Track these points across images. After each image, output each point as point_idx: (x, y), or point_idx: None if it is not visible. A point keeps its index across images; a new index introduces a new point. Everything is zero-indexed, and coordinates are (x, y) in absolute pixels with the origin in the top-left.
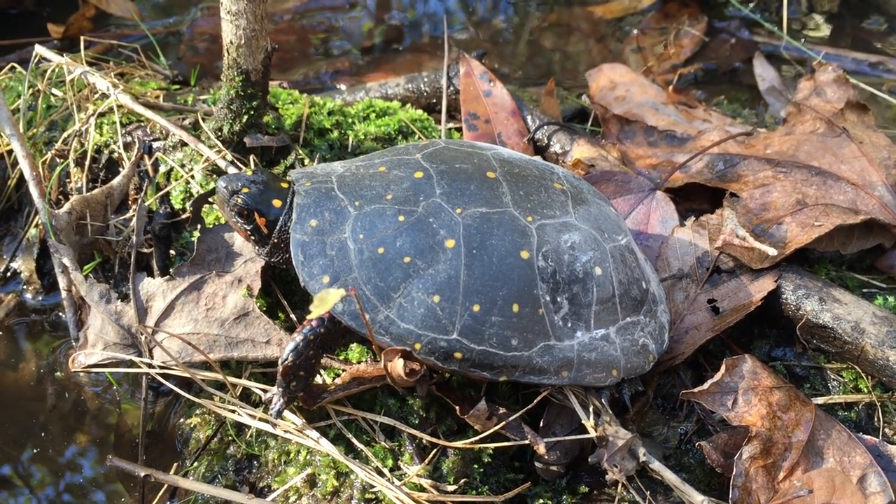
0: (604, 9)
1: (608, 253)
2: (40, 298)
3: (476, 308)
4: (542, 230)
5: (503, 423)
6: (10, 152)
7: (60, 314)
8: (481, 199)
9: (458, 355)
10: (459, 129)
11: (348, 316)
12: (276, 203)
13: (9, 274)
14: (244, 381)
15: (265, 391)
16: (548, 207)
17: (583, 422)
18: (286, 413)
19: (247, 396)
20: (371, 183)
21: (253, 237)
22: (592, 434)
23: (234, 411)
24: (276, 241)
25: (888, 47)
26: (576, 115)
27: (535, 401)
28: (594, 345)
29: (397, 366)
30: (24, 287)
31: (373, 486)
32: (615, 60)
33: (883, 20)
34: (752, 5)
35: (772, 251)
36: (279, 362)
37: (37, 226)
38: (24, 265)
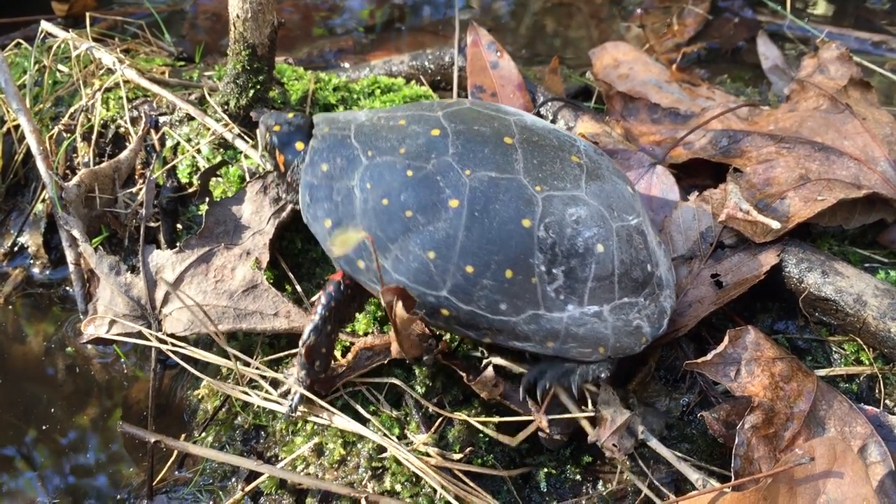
0: None
1: (614, 231)
2: (48, 273)
3: (469, 269)
4: (549, 201)
5: (508, 395)
6: (16, 127)
7: (68, 288)
8: (493, 163)
9: (444, 312)
10: None
11: (351, 266)
12: (299, 146)
13: (16, 249)
14: (251, 371)
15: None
16: (559, 179)
17: (573, 413)
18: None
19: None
20: (388, 135)
21: (276, 174)
22: (587, 415)
23: (245, 392)
24: (289, 180)
25: (891, 26)
26: (580, 92)
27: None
28: (584, 320)
29: (398, 309)
30: (32, 261)
31: (381, 454)
32: (618, 40)
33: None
34: None
35: (775, 224)
36: (300, 345)
37: (44, 201)
38: (31, 240)
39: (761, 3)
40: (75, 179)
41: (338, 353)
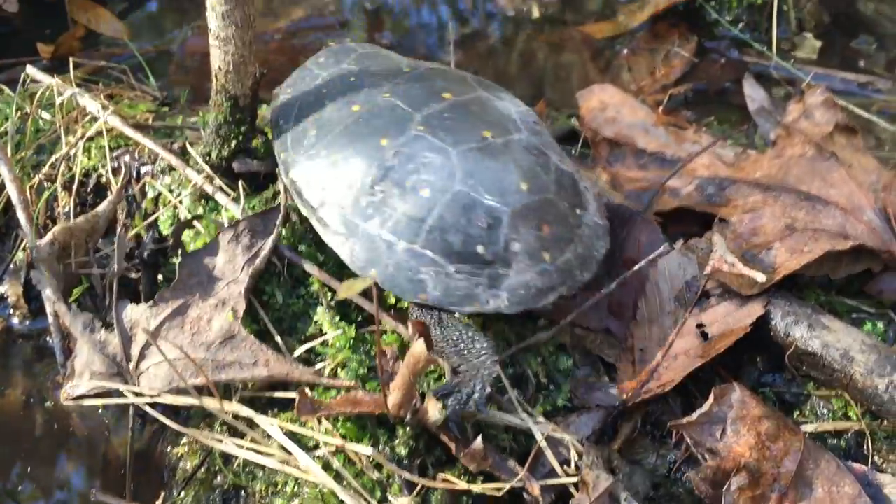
0: (594, 28)
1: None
2: (27, 323)
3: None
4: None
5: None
6: None
7: (48, 339)
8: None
9: None
10: None
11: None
12: None
13: None
14: (233, 407)
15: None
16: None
17: (558, 472)
18: (275, 439)
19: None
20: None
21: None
22: (571, 480)
23: (220, 441)
24: None
25: (877, 67)
26: (567, 135)
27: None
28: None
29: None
30: (12, 311)
31: None
32: (605, 80)
33: (872, 39)
34: (741, 25)
35: (760, 277)
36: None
37: (24, 249)
38: (11, 290)
39: (747, 44)
40: (48, 237)
41: (319, 395)
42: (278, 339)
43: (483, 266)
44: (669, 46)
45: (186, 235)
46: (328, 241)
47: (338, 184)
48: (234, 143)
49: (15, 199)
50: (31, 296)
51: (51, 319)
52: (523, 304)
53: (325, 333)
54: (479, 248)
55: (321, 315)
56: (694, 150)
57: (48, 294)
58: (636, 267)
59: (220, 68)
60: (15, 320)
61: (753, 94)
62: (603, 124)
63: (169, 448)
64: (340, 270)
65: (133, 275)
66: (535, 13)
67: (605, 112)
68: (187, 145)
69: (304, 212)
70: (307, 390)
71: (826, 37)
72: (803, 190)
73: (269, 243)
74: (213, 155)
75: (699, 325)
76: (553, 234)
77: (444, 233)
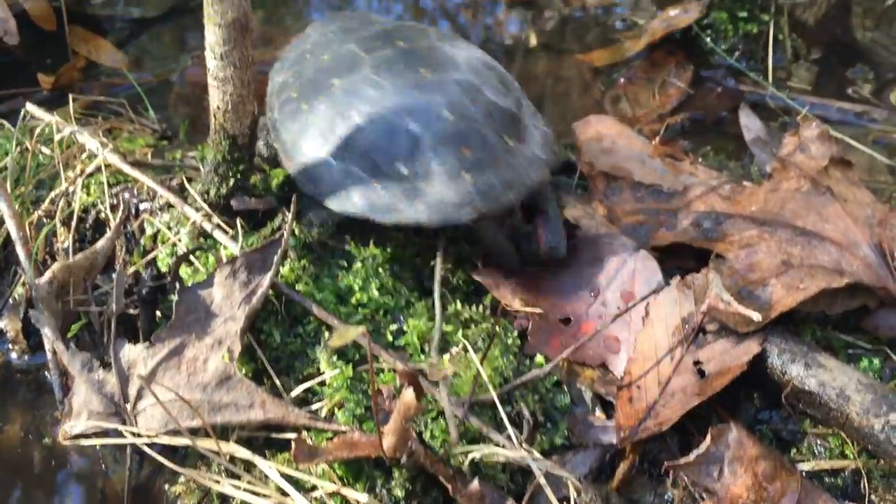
0: (591, 56)
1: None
2: (26, 358)
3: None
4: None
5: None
6: None
7: (46, 374)
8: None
9: None
10: None
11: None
12: None
13: None
14: (230, 448)
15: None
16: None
17: None
18: (272, 480)
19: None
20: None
21: None
22: None
23: (217, 481)
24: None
25: (872, 96)
26: (564, 167)
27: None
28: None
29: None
30: (10, 346)
31: None
32: (602, 109)
33: (868, 68)
34: (737, 54)
35: (756, 316)
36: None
37: (23, 284)
38: (10, 325)
39: (743, 73)
40: (47, 275)
41: (317, 440)
42: (276, 379)
43: (405, 182)
44: (666, 75)
45: (184, 272)
46: (294, 177)
47: (303, 125)
48: (232, 182)
49: (14, 236)
50: (30, 331)
51: (49, 356)
52: (440, 214)
53: (323, 373)
54: (401, 167)
55: (318, 354)
56: (690, 183)
57: (47, 333)
58: (633, 304)
59: (218, 108)
60: (13, 355)
61: (749, 124)
62: (600, 155)
63: (167, 486)
64: (339, 306)
65: (131, 311)
66: (534, 41)
67: (602, 143)
68: (185, 182)
69: (284, 162)
70: (304, 433)
71: (821, 65)
72: (799, 225)
73: (266, 280)
74: (212, 193)
75: (696, 363)
76: (475, 157)
77: (370, 153)
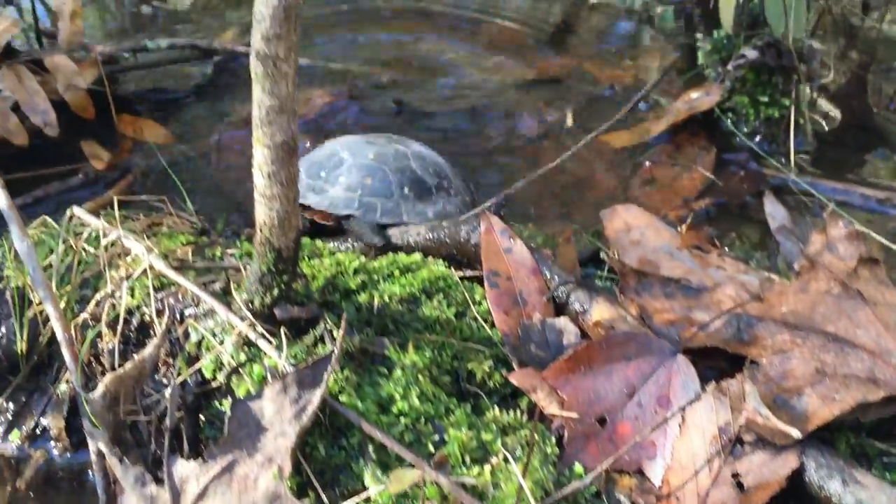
0: (616, 137)
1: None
2: (68, 455)
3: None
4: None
5: None
6: (41, 311)
7: (89, 472)
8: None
9: None
10: (474, 279)
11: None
12: None
13: (38, 431)
14: None
15: None
16: None
17: None
18: None
19: None
20: None
21: None
22: None
23: None
24: None
25: (895, 181)
26: (591, 257)
27: None
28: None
29: None
30: (53, 444)
31: None
32: (628, 190)
33: (889, 152)
34: (759, 137)
35: (796, 433)
36: None
37: (67, 382)
38: (53, 422)
39: (765, 157)
40: (100, 389)
41: None
42: (321, 493)
43: (321, 183)
44: (690, 159)
45: (233, 382)
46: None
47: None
48: (276, 292)
49: (60, 337)
50: (73, 428)
51: (94, 458)
52: (325, 203)
53: (368, 488)
54: (322, 174)
55: (363, 468)
56: (719, 278)
57: (101, 447)
58: (670, 414)
59: (264, 223)
60: (56, 452)
61: (774, 212)
62: (628, 247)
63: None
64: (381, 416)
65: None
66: (570, 121)
67: (630, 234)
68: (231, 286)
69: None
70: None
71: (843, 149)
72: (830, 331)
73: (316, 398)
74: (256, 302)
75: (734, 475)
76: (372, 186)
77: (313, 167)
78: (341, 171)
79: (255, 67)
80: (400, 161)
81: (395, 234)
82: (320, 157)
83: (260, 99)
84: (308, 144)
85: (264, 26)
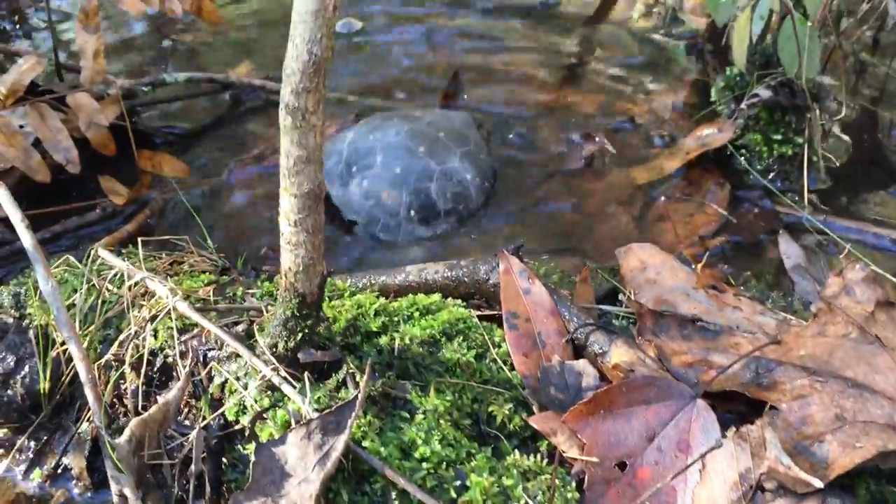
0: (635, 173)
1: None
2: (89, 495)
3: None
4: None
5: None
6: (64, 350)
7: None
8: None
9: None
10: (492, 318)
11: None
12: None
13: (59, 470)
14: None
15: None
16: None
17: None
18: None
19: None
20: None
21: None
22: None
23: None
24: None
25: None
26: (608, 295)
27: None
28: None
29: None
30: (74, 483)
31: None
32: (641, 228)
33: None
34: (772, 175)
35: (818, 483)
36: None
37: (89, 421)
38: (75, 461)
39: (778, 194)
40: (126, 434)
41: None
42: None
43: (348, 177)
44: (704, 195)
45: (257, 427)
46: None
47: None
48: (299, 336)
49: (84, 378)
50: (94, 467)
51: (115, 500)
52: (342, 202)
53: None
54: (353, 169)
55: None
56: (735, 318)
57: (127, 493)
58: (691, 462)
59: (289, 269)
60: (76, 491)
61: (788, 251)
62: (643, 286)
63: None
64: (403, 461)
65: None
66: (611, 148)
67: (646, 273)
68: (255, 329)
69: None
70: None
71: (855, 186)
72: (849, 376)
73: (340, 444)
74: (280, 346)
75: None
76: (384, 201)
77: (353, 154)
78: (366, 175)
79: (284, 120)
80: (421, 181)
81: (412, 270)
82: (362, 149)
83: (288, 150)
84: (352, 117)
85: (294, 80)
